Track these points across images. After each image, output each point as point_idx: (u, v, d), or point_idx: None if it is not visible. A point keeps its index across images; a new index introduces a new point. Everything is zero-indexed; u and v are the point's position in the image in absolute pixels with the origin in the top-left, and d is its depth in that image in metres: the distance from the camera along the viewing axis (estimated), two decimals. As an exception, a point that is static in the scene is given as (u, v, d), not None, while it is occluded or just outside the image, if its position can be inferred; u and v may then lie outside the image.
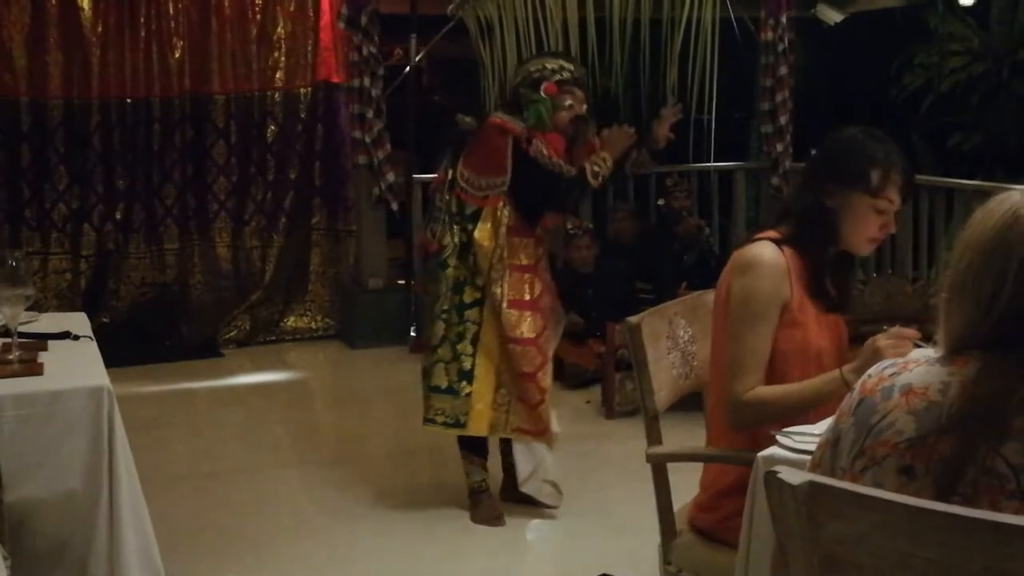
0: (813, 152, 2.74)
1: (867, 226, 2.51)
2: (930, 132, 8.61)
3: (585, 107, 4.03)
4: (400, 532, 4.01)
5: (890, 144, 2.51)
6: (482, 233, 3.92)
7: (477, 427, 3.98)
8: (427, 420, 4.04)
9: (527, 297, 3.95)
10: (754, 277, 2.46)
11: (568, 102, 3.97)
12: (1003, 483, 1.41)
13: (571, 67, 4.06)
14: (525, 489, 4.13)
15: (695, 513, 2.63)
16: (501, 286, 3.91)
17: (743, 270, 2.49)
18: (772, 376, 2.48)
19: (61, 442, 2.68)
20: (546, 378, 3.99)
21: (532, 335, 3.95)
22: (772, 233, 2.55)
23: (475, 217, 3.94)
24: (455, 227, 3.96)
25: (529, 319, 3.95)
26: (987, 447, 1.42)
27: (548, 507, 4.13)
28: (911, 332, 2.31)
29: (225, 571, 3.68)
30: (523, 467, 4.12)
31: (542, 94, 3.93)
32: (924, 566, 1.38)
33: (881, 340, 2.27)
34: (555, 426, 4.09)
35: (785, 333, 2.47)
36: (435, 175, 4.24)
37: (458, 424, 3.98)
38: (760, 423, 2.43)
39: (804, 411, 2.38)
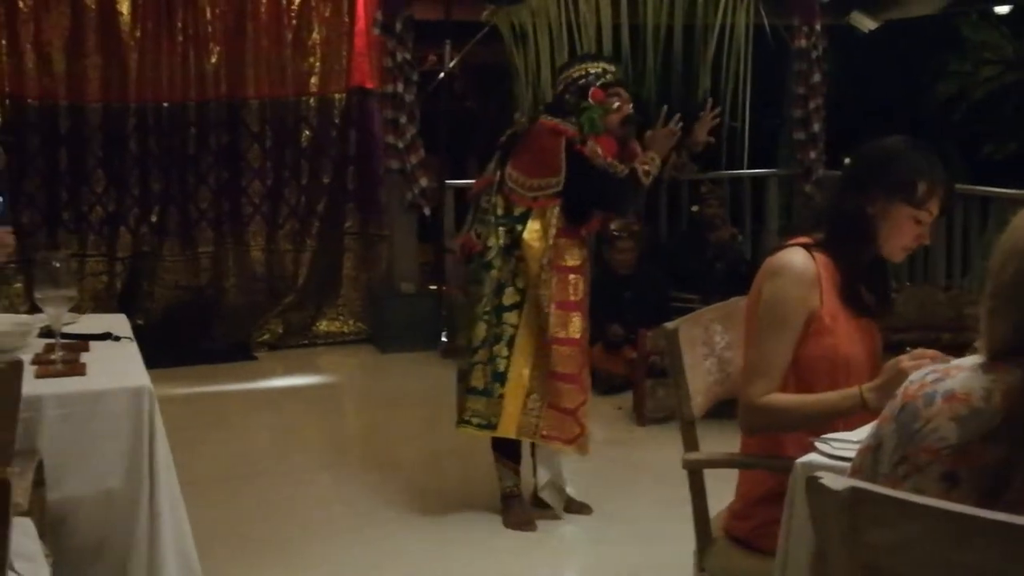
0: (851, 158, 2.73)
1: (904, 235, 2.52)
2: (963, 141, 8.56)
3: (631, 105, 4.06)
4: (431, 535, 4.03)
5: (934, 155, 2.52)
6: (531, 234, 3.93)
7: (506, 428, 3.99)
8: (462, 422, 4.06)
9: (572, 298, 3.97)
10: (782, 284, 2.47)
11: (616, 104, 4.00)
12: (1049, 491, 1.41)
13: (612, 68, 4.11)
14: (541, 495, 4.15)
15: (730, 521, 2.63)
16: (549, 288, 3.92)
17: (772, 276, 2.50)
18: (799, 383, 2.49)
19: (103, 441, 2.72)
20: (588, 379, 4.03)
21: (577, 336, 3.96)
22: (805, 239, 2.55)
23: (523, 218, 3.95)
24: (500, 229, 3.98)
25: (575, 320, 3.96)
26: (1034, 455, 1.42)
27: (554, 511, 4.16)
28: (933, 353, 2.30)
29: (258, 572, 3.71)
30: (542, 474, 4.15)
31: (590, 101, 3.96)
32: (967, 573, 1.39)
33: (905, 362, 2.25)
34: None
35: (814, 341, 2.48)
36: (470, 180, 4.27)
37: (490, 426, 4.00)
38: (769, 429, 2.47)
39: (816, 424, 2.37)
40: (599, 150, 3.92)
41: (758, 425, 2.49)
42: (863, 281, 2.56)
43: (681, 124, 4.09)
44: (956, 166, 8.21)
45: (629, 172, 3.93)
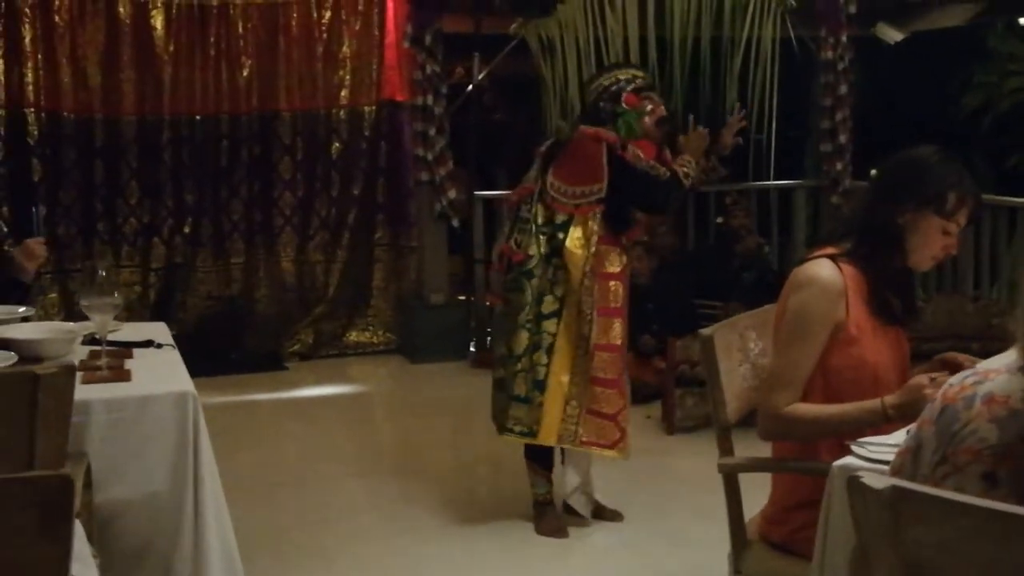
0: (880, 169, 2.75)
1: (933, 245, 2.55)
2: (990, 152, 8.55)
3: (664, 109, 4.12)
4: (464, 543, 4.06)
5: (963, 166, 2.55)
6: (574, 242, 3.97)
7: (546, 436, 4.02)
8: (505, 430, 4.09)
9: (613, 304, 4.00)
10: (808, 295, 2.50)
11: (649, 107, 4.06)
12: (1086, 489, 1.45)
13: (641, 74, 4.18)
14: (571, 502, 4.19)
15: (764, 526, 2.66)
16: (592, 294, 3.96)
17: (799, 288, 2.53)
18: (828, 392, 2.51)
19: (148, 445, 2.77)
20: (627, 384, 4.07)
21: (618, 341, 4.00)
22: (831, 249, 2.58)
23: (565, 226, 4.00)
24: (541, 237, 4.02)
25: (616, 326, 4.00)
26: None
27: (582, 517, 4.19)
28: (965, 357, 2.34)
29: (293, 577, 3.76)
30: (571, 479, 4.18)
31: (624, 106, 4.01)
32: (1009, 570, 1.41)
33: (928, 388, 2.28)
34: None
35: (840, 351, 2.51)
36: (499, 192, 4.32)
37: (531, 433, 4.03)
38: (787, 438, 2.53)
39: (836, 435, 2.40)
40: (640, 154, 3.97)
41: (777, 433, 2.54)
42: (891, 291, 2.59)
43: (709, 130, 4.17)
44: (983, 177, 8.21)
45: (671, 174, 3.99)
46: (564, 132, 4.15)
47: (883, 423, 2.34)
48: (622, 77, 4.11)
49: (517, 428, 4.04)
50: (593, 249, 3.95)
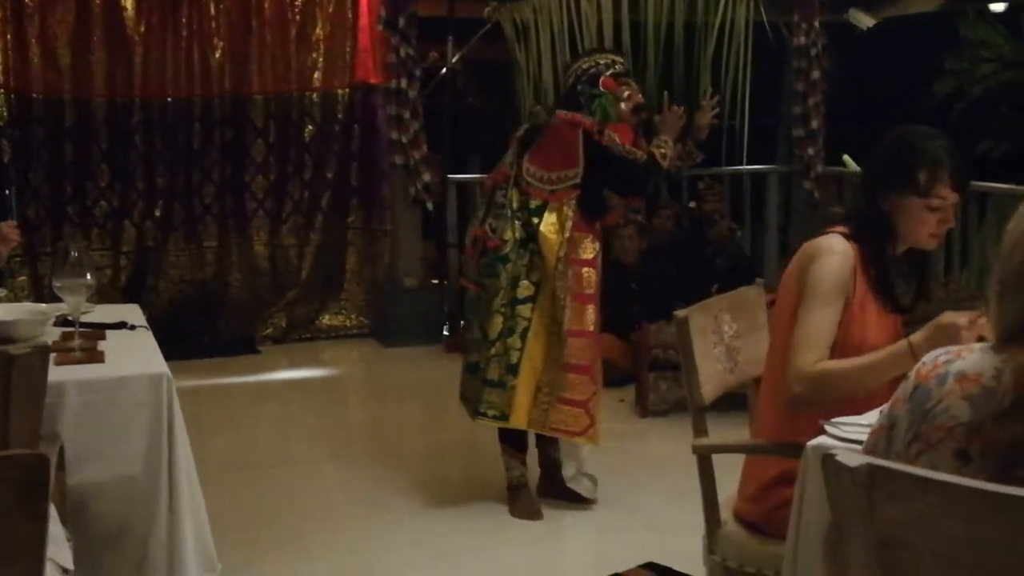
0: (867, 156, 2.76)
1: (924, 225, 2.53)
2: (961, 138, 8.60)
3: (641, 96, 4.13)
4: (437, 526, 4.07)
5: (938, 140, 2.52)
6: (548, 227, 3.98)
7: (518, 419, 4.03)
8: (479, 414, 4.09)
9: (587, 291, 4.01)
10: (826, 262, 2.49)
11: (626, 92, 4.07)
12: (1058, 465, 1.47)
13: (621, 60, 4.19)
14: (572, 485, 4.20)
15: (741, 505, 2.68)
16: (565, 280, 3.97)
17: (814, 257, 2.52)
18: None
19: (122, 427, 2.76)
20: (600, 371, 4.07)
21: (591, 328, 4.01)
22: (842, 228, 2.59)
23: (539, 211, 4.00)
24: (516, 222, 4.03)
25: (589, 312, 4.01)
26: (1047, 431, 1.47)
27: (588, 500, 4.20)
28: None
29: (268, 560, 3.75)
30: (568, 466, 4.21)
31: (601, 89, 4.01)
32: (982, 547, 1.43)
33: (959, 319, 2.25)
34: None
35: (843, 328, 2.49)
36: (473, 176, 4.32)
37: (503, 417, 4.04)
38: (822, 397, 2.38)
39: (868, 385, 2.35)
40: (616, 138, 3.98)
41: (811, 395, 2.39)
42: (896, 275, 2.59)
43: (684, 109, 4.17)
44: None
45: (648, 156, 4.00)
46: (541, 117, 4.14)
47: (910, 364, 2.30)
48: (601, 61, 4.12)
49: (491, 412, 4.05)
50: (567, 235, 3.96)
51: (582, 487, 4.21)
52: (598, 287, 4.07)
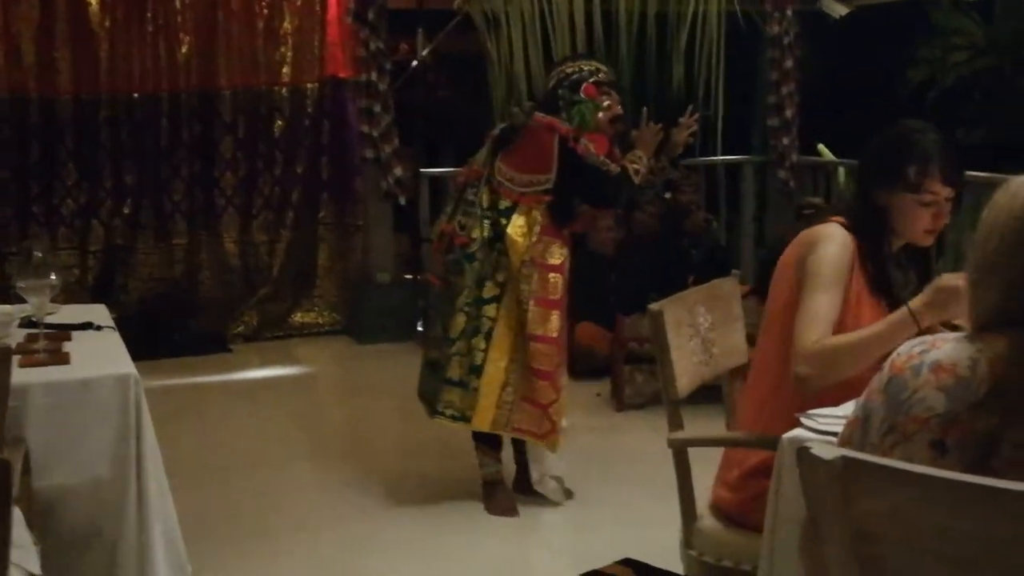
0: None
1: (918, 220, 2.51)
2: (935, 126, 8.62)
3: (621, 108, 4.10)
4: (413, 523, 4.04)
5: (928, 134, 2.51)
6: (515, 229, 3.96)
7: (480, 422, 4.01)
8: (436, 412, 4.07)
9: (552, 296, 3.99)
10: (828, 247, 2.48)
11: (606, 103, 4.04)
12: (1034, 456, 1.45)
13: (606, 68, 4.16)
14: (539, 488, 4.18)
15: (720, 492, 2.64)
16: (529, 283, 3.94)
17: (815, 244, 2.50)
18: None
19: (89, 429, 2.72)
20: (562, 377, 4.03)
21: (554, 334, 3.98)
22: (840, 219, 2.57)
23: (508, 212, 3.98)
24: (485, 221, 4.00)
25: (553, 318, 3.98)
26: (1023, 422, 1.45)
27: (555, 503, 4.18)
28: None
29: (241, 560, 3.71)
30: (535, 468, 4.18)
31: (582, 95, 3.99)
32: (959, 538, 1.41)
33: (959, 280, 2.17)
34: (563, 423, 4.12)
35: (838, 318, 2.46)
36: (445, 169, 4.29)
37: (464, 418, 4.02)
38: (827, 374, 2.34)
39: (872, 356, 2.30)
40: (592, 147, 3.96)
41: (819, 371, 2.34)
42: (895, 268, 2.57)
43: (662, 127, 4.16)
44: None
45: (621, 170, 3.99)
46: (518, 118, 4.10)
47: (912, 330, 2.27)
48: (586, 68, 4.10)
49: (448, 412, 4.03)
50: (535, 239, 3.94)
51: (548, 490, 4.18)
52: (565, 295, 4.04)
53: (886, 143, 2.56)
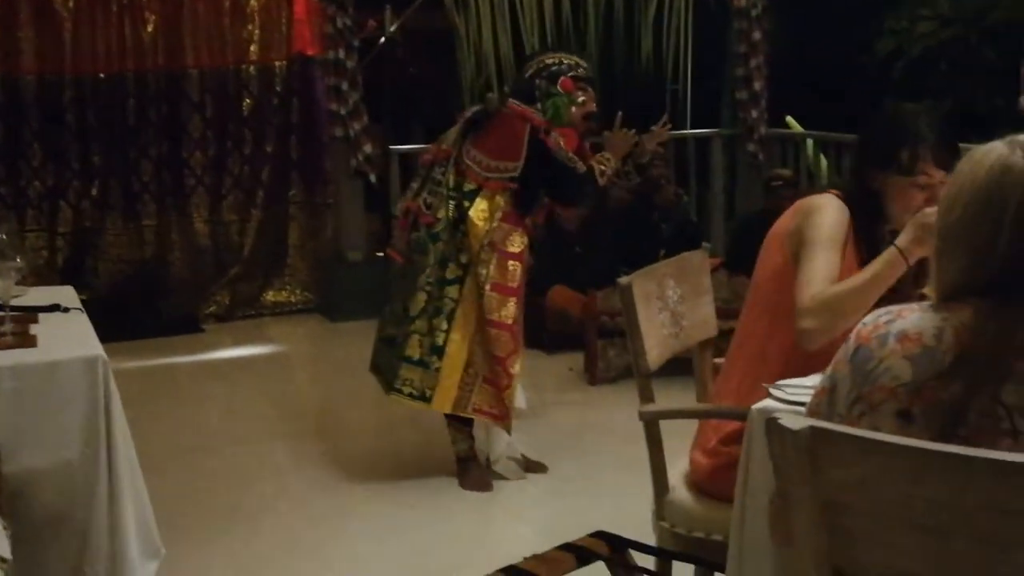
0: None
1: (911, 203, 2.48)
2: (902, 97, 8.65)
3: (596, 106, 4.12)
4: (388, 500, 4.04)
5: (921, 116, 2.50)
6: (477, 213, 3.96)
7: (440, 403, 4.01)
8: (393, 389, 4.08)
9: (510, 284, 3.99)
10: (826, 213, 2.48)
11: (581, 98, 4.06)
12: (998, 422, 1.46)
13: (586, 65, 4.18)
14: (497, 468, 4.18)
15: (697, 457, 2.65)
16: (487, 268, 3.94)
17: (811, 211, 2.50)
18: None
19: (58, 412, 2.70)
20: (515, 365, 4.01)
21: (509, 321, 3.98)
22: (837, 192, 2.57)
23: (472, 195, 3.98)
24: (450, 202, 4.00)
25: (510, 304, 3.98)
26: (989, 390, 1.47)
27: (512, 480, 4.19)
28: None
29: (215, 541, 3.70)
30: (496, 447, 4.18)
31: (559, 88, 3.99)
32: (924, 506, 1.43)
33: (928, 212, 2.26)
34: (520, 403, 4.14)
35: None
36: (415, 146, 4.29)
37: (423, 398, 4.02)
38: (834, 320, 2.31)
39: (870, 298, 2.30)
40: (562, 142, 3.97)
41: (824, 320, 2.32)
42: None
43: (635, 133, 4.21)
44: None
45: (587, 169, 4.01)
46: (493, 104, 4.10)
47: (904, 266, 2.31)
48: (566, 61, 4.11)
49: (407, 390, 4.03)
50: (495, 224, 3.95)
51: (508, 470, 4.18)
52: (523, 283, 4.04)
53: (881, 125, 2.57)
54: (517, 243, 4.02)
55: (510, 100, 4.08)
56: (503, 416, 4.01)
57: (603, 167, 4.07)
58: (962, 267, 1.56)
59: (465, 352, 3.99)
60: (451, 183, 4.02)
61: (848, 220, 2.50)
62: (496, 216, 3.96)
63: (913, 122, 2.50)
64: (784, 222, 2.56)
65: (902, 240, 2.33)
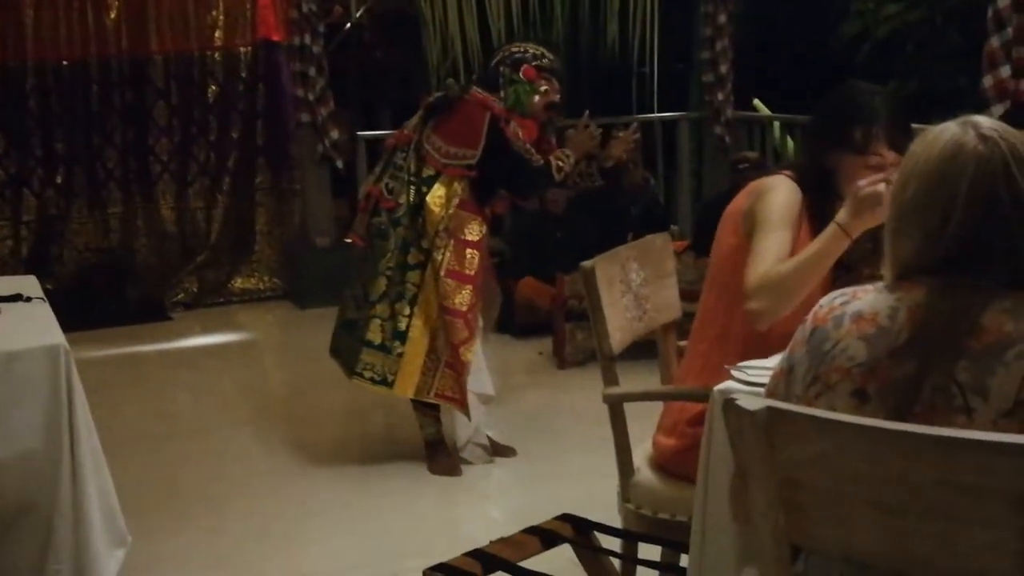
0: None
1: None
2: (868, 79, 8.67)
3: (559, 97, 4.10)
4: (357, 486, 4.04)
5: (876, 97, 2.51)
6: (434, 199, 3.96)
7: (403, 388, 4.01)
8: (355, 373, 4.07)
9: (467, 271, 3.98)
10: (777, 194, 2.48)
11: (544, 87, 4.04)
12: (952, 400, 1.48)
13: (552, 55, 4.16)
14: (463, 454, 4.17)
15: (660, 439, 2.66)
16: (443, 254, 3.94)
17: (764, 191, 2.51)
18: None
19: (18, 402, 2.68)
20: (468, 353, 3.98)
21: (463, 308, 3.96)
22: (789, 172, 2.58)
23: (430, 181, 3.98)
24: (411, 187, 3.99)
25: (465, 292, 3.97)
26: (942, 368, 1.48)
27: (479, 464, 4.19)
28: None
29: (183, 529, 3.70)
30: (462, 432, 4.16)
31: (520, 76, 3.99)
32: (879, 483, 1.44)
33: (864, 187, 2.29)
34: (487, 388, 4.14)
35: None
36: (382, 132, 4.28)
37: (385, 383, 4.02)
38: (781, 299, 2.35)
39: (815, 275, 2.35)
40: (520, 133, 3.97)
41: (767, 303, 2.35)
42: None
43: (601, 131, 4.19)
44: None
45: (544, 163, 3.99)
46: (452, 90, 4.08)
47: (845, 242, 2.32)
48: (531, 50, 4.11)
49: (368, 374, 4.03)
50: (451, 211, 3.94)
51: (474, 456, 4.17)
52: (480, 271, 4.03)
53: (835, 103, 2.57)
54: (475, 231, 4.01)
55: (474, 88, 4.07)
56: (463, 402, 3.99)
57: (561, 163, 4.04)
58: (916, 246, 1.57)
59: (427, 337, 3.98)
60: (412, 168, 4.01)
61: (801, 200, 2.51)
62: (453, 203, 3.96)
63: (868, 101, 2.51)
64: (738, 203, 2.57)
65: (842, 215, 2.34)
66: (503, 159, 3.95)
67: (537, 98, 4.04)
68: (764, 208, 2.48)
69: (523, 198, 4.50)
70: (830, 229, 2.35)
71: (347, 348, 4.12)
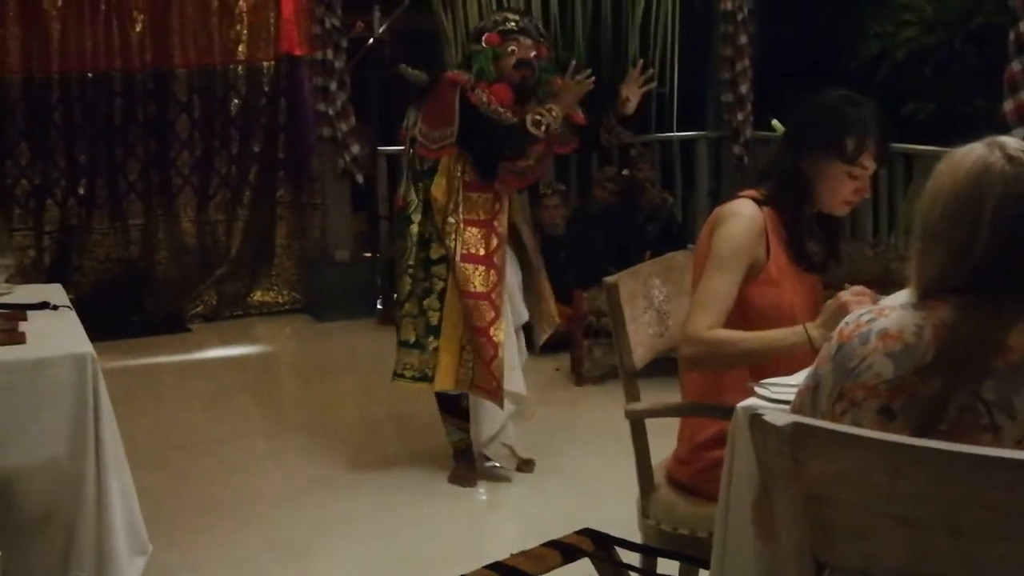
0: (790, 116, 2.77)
1: (841, 190, 2.56)
2: (886, 101, 8.69)
3: (533, 54, 4.01)
4: (372, 497, 4.05)
5: (868, 109, 2.54)
6: (437, 188, 3.97)
7: (443, 382, 3.99)
8: (396, 375, 4.08)
9: (481, 252, 3.96)
10: (732, 226, 2.51)
11: (511, 48, 3.97)
12: (978, 418, 1.49)
13: (515, 18, 4.10)
14: (485, 451, 4.15)
15: (674, 466, 2.69)
16: (454, 241, 3.94)
17: (722, 221, 2.54)
18: (747, 330, 2.52)
19: (46, 409, 2.71)
20: (499, 333, 3.93)
21: (484, 289, 3.93)
22: (753, 192, 2.60)
23: (432, 173, 4.00)
24: (418, 184, 4.02)
25: (482, 273, 3.94)
26: (968, 386, 1.49)
27: (503, 469, 4.18)
28: (870, 291, 2.35)
29: (200, 539, 3.71)
30: (486, 428, 4.11)
31: (483, 44, 3.99)
32: (905, 500, 1.45)
33: (845, 296, 2.31)
34: (520, 388, 4.09)
35: (761, 290, 2.53)
36: (402, 147, 4.31)
37: (425, 378, 4.01)
38: (711, 362, 2.45)
39: (759, 359, 2.40)
40: (485, 97, 3.91)
41: (702, 358, 2.44)
42: (808, 236, 2.61)
43: (595, 79, 4.02)
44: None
45: (519, 121, 3.90)
46: (420, 79, 4.10)
47: (805, 347, 2.32)
48: (496, 19, 4.11)
49: (408, 374, 4.04)
50: (459, 198, 3.94)
51: (499, 456, 4.15)
52: (497, 250, 3.98)
53: (826, 111, 2.58)
54: (487, 210, 3.99)
55: (451, 71, 4.08)
56: (495, 391, 3.94)
57: (539, 117, 3.88)
58: (941, 264, 1.59)
59: (460, 329, 3.96)
60: (417, 165, 4.05)
61: (761, 225, 2.52)
62: (455, 187, 3.96)
63: (861, 113, 2.53)
64: (705, 228, 2.60)
65: (814, 324, 2.35)
66: (474, 126, 3.90)
67: (503, 61, 3.98)
68: (717, 242, 2.51)
69: (505, 160, 4.25)
70: (796, 334, 2.37)
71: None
